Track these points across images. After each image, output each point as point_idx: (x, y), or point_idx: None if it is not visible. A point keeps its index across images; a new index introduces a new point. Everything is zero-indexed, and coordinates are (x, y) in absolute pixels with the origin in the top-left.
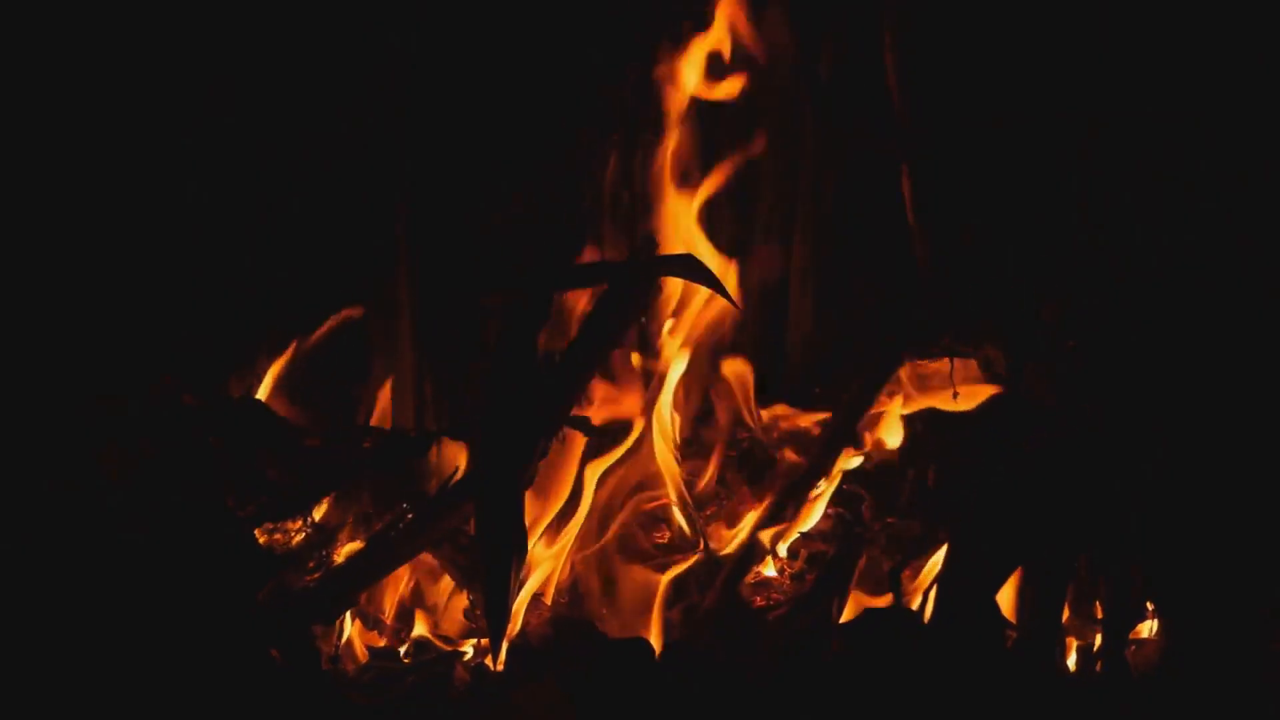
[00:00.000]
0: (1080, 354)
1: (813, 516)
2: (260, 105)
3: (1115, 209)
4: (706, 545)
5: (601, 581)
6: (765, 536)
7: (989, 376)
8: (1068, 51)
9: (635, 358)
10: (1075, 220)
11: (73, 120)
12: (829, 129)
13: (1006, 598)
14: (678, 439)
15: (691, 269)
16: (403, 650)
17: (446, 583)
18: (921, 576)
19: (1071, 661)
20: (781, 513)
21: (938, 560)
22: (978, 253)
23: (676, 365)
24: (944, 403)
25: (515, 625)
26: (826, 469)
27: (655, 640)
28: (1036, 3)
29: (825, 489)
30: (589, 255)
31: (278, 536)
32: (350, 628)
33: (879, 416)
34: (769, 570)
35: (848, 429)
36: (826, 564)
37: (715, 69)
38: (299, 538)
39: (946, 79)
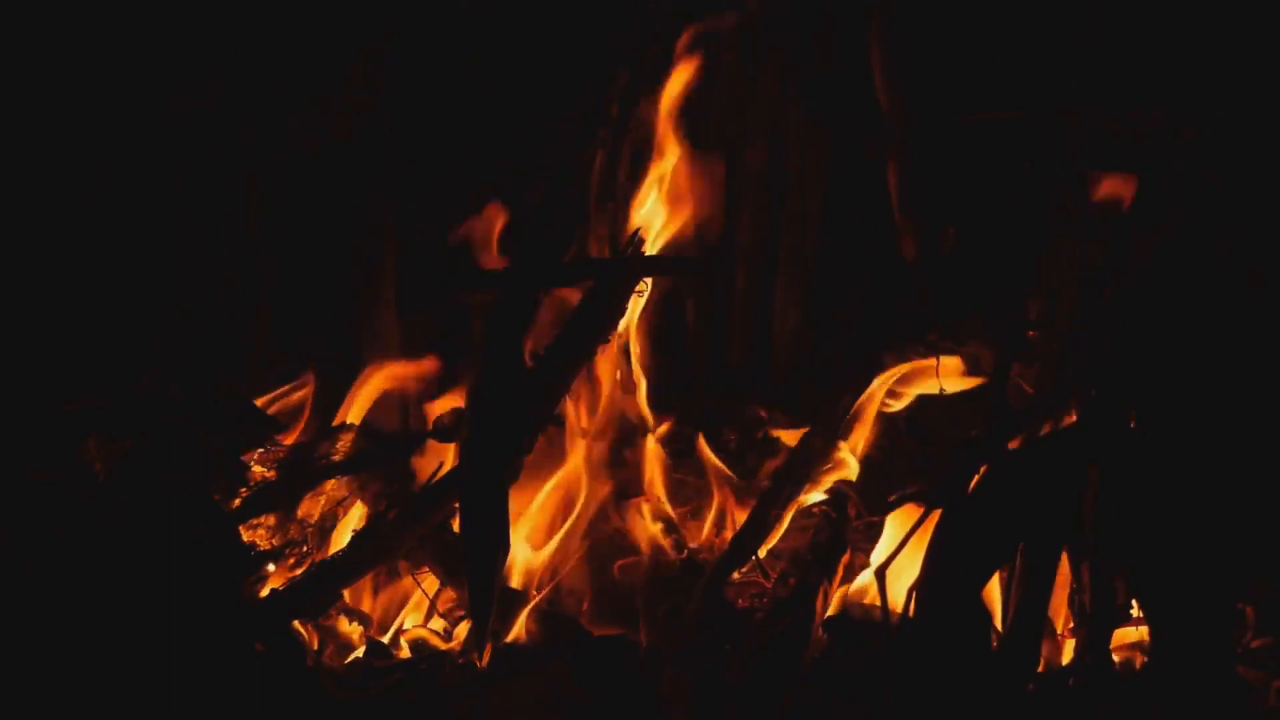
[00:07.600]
0: (1066, 351)
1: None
2: (247, 101)
3: (1102, 205)
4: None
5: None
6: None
7: (975, 373)
8: (1055, 48)
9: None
10: (1061, 217)
11: (61, 116)
12: (815, 126)
13: (991, 596)
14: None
15: (678, 267)
16: (389, 646)
17: (432, 579)
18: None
19: (1057, 660)
20: (765, 516)
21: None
22: (964, 249)
23: None
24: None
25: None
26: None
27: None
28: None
29: (808, 496)
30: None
31: (262, 531)
32: (336, 623)
33: (865, 416)
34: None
35: (831, 431)
36: (810, 564)
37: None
38: (284, 533)
39: (933, 76)
